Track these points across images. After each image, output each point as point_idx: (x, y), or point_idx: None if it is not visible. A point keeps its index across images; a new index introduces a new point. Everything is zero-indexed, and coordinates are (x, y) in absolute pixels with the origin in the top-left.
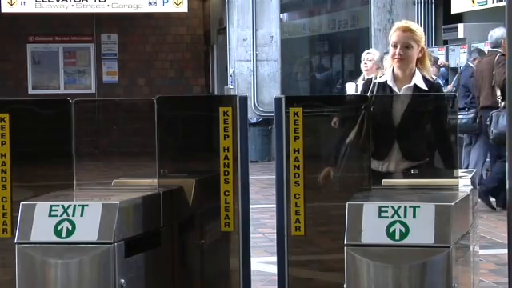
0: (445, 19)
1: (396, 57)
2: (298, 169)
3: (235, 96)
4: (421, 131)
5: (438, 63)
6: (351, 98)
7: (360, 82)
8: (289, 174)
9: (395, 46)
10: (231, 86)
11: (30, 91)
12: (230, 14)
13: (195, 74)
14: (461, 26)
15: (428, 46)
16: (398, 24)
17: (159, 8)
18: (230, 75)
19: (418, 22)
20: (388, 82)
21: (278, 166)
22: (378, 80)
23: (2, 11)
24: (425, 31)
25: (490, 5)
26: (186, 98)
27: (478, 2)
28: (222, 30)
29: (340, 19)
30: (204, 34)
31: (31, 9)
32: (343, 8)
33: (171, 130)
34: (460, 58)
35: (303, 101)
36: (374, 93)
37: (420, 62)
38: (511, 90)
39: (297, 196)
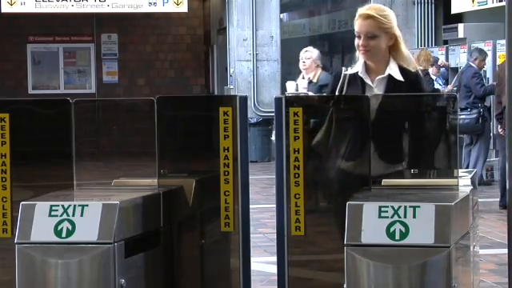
0: (445, 19)
1: (360, 48)
2: (298, 169)
3: (235, 96)
4: (399, 130)
5: (438, 63)
6: (351, 97)
7: (300, 81)
8: (289, 174)
9: (359, 37)
10: (231, 86)
11: (30, 91)
12: (229, 14)
13: (195, 74)
14: (461, 26)
15: (428, 46)
16: (360, 10)
17: (159, 8)
18: (230, 75)
19: (417, 22)
20: (359, 74)
21: (277, 165)
22: (349, 72)
23: (2, 11)
24: (425, 31)
25: (490, 5)
26: (186, 98)
27: (478, 2)
28: (222, 30)
29: (340, 19)
30: (204, 33)
31: (31, 9)
32: (343, 8)
33: (171, 130)
34: (460, 57)
35: (303, 101)
36: (345, 86)
37: (393, 50)
38: (511, 90)
39: (297, 196)
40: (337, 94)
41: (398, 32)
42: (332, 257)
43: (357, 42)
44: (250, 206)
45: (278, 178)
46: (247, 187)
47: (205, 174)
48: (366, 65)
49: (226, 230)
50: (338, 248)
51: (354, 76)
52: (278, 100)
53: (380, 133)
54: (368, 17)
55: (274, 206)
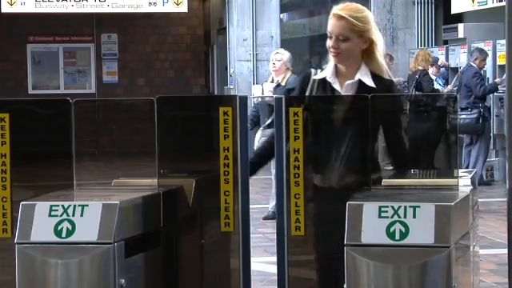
0: (445, 19)
1: (331, 50)
2: (298, 169)
3: (235, 96)
4: (370, 137)
5: (438, 63)
6: (352, 97)
7: (267, 84)
8: (289, 174)
9: (330, 37)
10: (231, 86)
11: (30, 91)
12: (230, 14)
13: (195, 74)
14: (461, 26)
15: (428, 46)
16: (335, 9)
17: (159, 8)
18: (230, 75)
19: (417, 22)
20: (327, 78)
21: (278, 165)
22: (317, 77)
23: (2, 11)
24: (425, 31)
25: (490, 5)
26: (186, 98)
27: (478, 2)
28: (222, 30)
29: None
30: (204, 33)
31: (31, 9)
32: None
33: (171, 130)
34: (460, 57)
35: (303, 101)
36: (314, 91)
37: (367, 54)
38: (511, 90)
39: (297, 196)
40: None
41: (374, 36)
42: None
43: (328, 42)
44: (250, 206)
45: (278, 177)
46: (247, 187)
47: (205, 173)
48: (336, 68)
49: (226, 230)
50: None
51: (323, 81)
52: (278, 100)
53: (349, 141)
54: (341, 18)
55: None
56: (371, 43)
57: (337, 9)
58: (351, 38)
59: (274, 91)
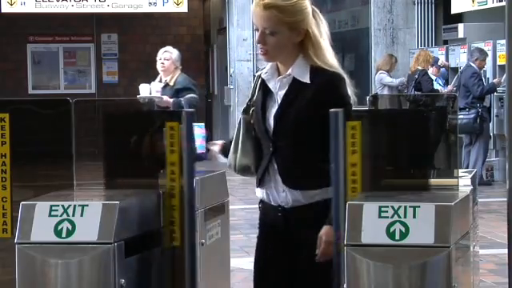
0: (445, 19)
1: (259, 47)
2: (356, 183)
3: (181, 111)
4: (307, 142)
5: (438, 63)
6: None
7: (155, 84)
8: (346, 188)
9: (257, 29)
10: (231, 86)
11: (30, 91)
12: (230, 14)
13: (195, 74)
14: (461, 26)
15: (428, 46)
16: None
17: (159, 8)
18: (230, 75)
19: (417, 22)
20: (262, 75)
21: (335, 179)
22: (259, 73)
23: (2, 11)
24: (425, 31)
25: (490, 5)
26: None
27: (478, 2)
28: (222, 30)
29: (340, 19)
30: (204, 34)
31: (31, 9)
32: (343, 8)
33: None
34: (460, 57)
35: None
36: (256, 90)
37: (304, 47)
38: (511, 90)
39: None
40: (250, 98)
41: (311, 27)
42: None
43: (257, 36)
44: (250, 206)
45: (336, 191)
46: (193, 203)
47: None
48: (277, 63)
49: (173, 245)
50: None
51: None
52: (333, 114)
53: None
54: (266, 7)
55: None
56: (307, 34)
57: None
58: (279, 32)
59: (162, 91)
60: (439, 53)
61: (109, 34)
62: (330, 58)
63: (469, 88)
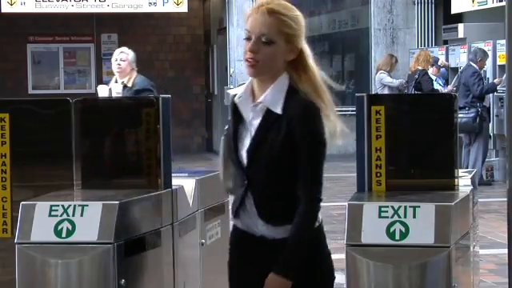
0: (445, 19)
1: (246, 56)
2: (380, 168)
3: (158, 97)
4: (282, 178)
5: (438, 63)
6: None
7: (114, 85)
8: (370, 172)
9: (248, 38)
10: (231, 86)
11: (30, 91)
12: (230, 14)
13: (195, 74)
14: (461, 26)
15: (428, 46)
16: (260, 2)
17: (159, 8)
18: (230, 75)
19: (417, 22)
20: (235, 99)
21: (359, 164)
22: (232, 92)
23: (2, 11)
24: (425, 31)
25: (489, 5)
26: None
27: (478, 2)
28: (222, 30)
29: (340, 19)
30: (204, 33)
31: (31, 9)
32: (343, 8)
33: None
34: (460, 57)
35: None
36: (231, 114)
37: (294, 69)
38: (511, 90)
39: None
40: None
41: (304, 47)
42: (332, 257)
43: (245, 46)
44: None
45: (360, 176)
46: (170, 185)
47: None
48: (252, 84)
49: None
50: (338, 248)
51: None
52: (359, 98)
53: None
54: (268, 12)
55: None
56: (300, 54)
57: (262, 2)
58: (277, 42)
59: (122, 93)
60: (439, 53)
61: (109, 34)
62: (317, 87)
63: (469, 87)
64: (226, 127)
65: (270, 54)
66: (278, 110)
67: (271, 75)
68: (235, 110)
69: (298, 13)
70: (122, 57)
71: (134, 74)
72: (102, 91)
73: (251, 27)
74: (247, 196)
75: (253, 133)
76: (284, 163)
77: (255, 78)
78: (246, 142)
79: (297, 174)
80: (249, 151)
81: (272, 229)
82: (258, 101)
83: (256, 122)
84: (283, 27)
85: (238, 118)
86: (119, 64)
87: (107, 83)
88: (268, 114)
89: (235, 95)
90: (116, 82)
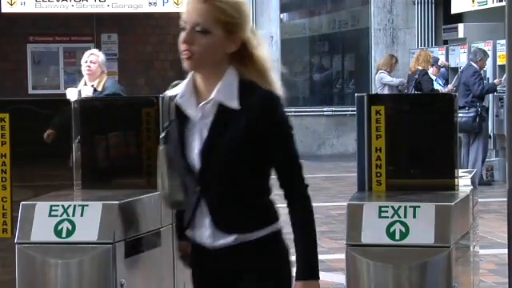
0: (445, 19)
1: (181, 49)
2: (380, 168)
3: (158, 97)
4: (244, 178)
5: (438, 63)
6: None
7: (84, 88)
8: (370, 172)
9: (184, 29)
10: None
11: (30, 91)
12: None
13: None
14: (461, 26)
15: (428, 46)
16: None
17: (159, 8)
18: None
19: (417, 22)
20: (177, 100)
21: (359, 164)
22: (170, 93)
23: (2, 11)
24: (425, 31)
25: (489, 5)
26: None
27: (477, 2)
28: None
29: (340, 19)
30: None
31: (31, 9)
32: (343, 8)
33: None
34: (460, 57)
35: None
36: (172, 116)
37: (238, 60)
38: (511, 90)
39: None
40: (168, 123)
41: (249, 36)
42: (332, 257)
43: (181, 37)
44: None
45: (360, 176)
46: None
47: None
48: (194, 81)
49: None
50: (338, 248)
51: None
52: (359, 98)
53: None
54: (203, 0)
55: None
56: (243, 44)
57: None
58: (213, 31)
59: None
60: (439, 53)
61: (109, 34)
62: (267, 76)
63: (469, 87)
64: (163, 135)
65: (206, 44)
66: (235, 105)
67: (212, 69)
68: (178, 111)
69: (239, 2)
70: (92, 59)
71: (105, 77)
72: (71, 94)
73: (186, 17)
74: (199, 206)
75: (205, 133)
76: (245, 160)
77: (194, 71)
78: (195, 145)
79: (259, 172)
80: (203, 152)
81: (223, 236)
82: (210, 98)
83: (208, 121)
84: (220, 15)
85: (181, 120)
86: (89, 66)
87: (76, 86)
88: (221, 111)
89: (175, 96)
90: (85, 84)
